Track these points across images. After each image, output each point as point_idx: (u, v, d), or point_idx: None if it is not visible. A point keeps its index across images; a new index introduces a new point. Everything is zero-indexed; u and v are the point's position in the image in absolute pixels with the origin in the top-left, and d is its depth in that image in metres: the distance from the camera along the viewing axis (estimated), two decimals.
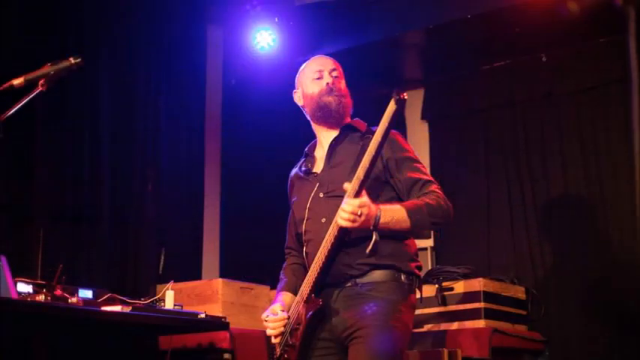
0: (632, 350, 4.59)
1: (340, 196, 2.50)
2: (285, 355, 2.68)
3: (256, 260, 5.14)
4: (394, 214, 2.51)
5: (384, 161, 2.68)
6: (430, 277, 4.47)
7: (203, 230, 5.22)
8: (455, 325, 4.29)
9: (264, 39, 5.32)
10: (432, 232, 5.26)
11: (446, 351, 3.89)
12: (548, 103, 5.30)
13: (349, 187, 2.46)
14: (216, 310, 4.06)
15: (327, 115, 2.80)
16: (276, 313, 2.70)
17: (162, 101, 4.97)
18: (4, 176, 3.89)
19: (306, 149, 2.95)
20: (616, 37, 4.87)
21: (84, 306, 2.93)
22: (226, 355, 3.83)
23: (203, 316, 3.38)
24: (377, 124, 2.39)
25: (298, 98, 2.92)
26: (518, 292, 4.65)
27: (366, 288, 2.61)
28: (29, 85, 2.68)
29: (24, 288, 2.94)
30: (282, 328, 2.69)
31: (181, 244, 4.98)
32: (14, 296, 2.72)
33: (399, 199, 2.66)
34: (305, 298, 2.64)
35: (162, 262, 4.75)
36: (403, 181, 2.68)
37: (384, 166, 2.68)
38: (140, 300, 3.43)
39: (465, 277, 4.40)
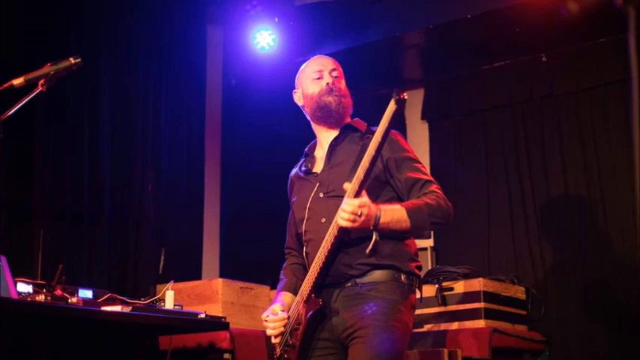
0: (632, 350, 4.59)
1: (340, 196, 2.50)
2: (285, 355, 2.68)
3: (256, 260, 5.14)
4: (394, 214, 2.51)
5: (384, 161, 2.68)
6: (430, 277, 4.47)
7: (203, 230, 5.22)
8: (455, 325, 4.29)
9: (264, 39, 5.33)
10: (432, 233, 5.26)
11: (446, 351, 3.89)
12: (548, 103, 5.30)
13: (349, 187, 2.46)
14: (216, 310, 4.06)
15: (327, 115, 2.80)
16: (276, 313, 2.70)
17: (162, 101, 4.97)
18: (4, 176, 3.89)
19: (306, 149, 2.95)
20: (616, 37, 4.89)
21: (84, 306, 2.93)
22: (226, 355, 3.83)
23: (203, 316, 3.38)
24: (377, 124, 2.40)
25: (298, 98, 2.92)
26: (518, 292, 4.65)
27: (366, 288, 2.61)
28: (29, 85, 2.68)
29: (24, 288, 2.94)
30: (282, 328, 2.69)
31: (181, 244, 4.98)
32: (14, 296, 2.72)
33: (399, 199, 2.67)
34: (305, 298, 2.64)
35: (162, 262, 4.75)
36: (403, 181, 2.68)
37: (384, 166, 2.69)
38: (140, 300, 3.43)
39: (465, 277, 4.40)
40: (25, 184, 4.03)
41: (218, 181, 5.47)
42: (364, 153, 2.43)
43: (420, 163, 2.75)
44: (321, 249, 2.59)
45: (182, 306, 3.52)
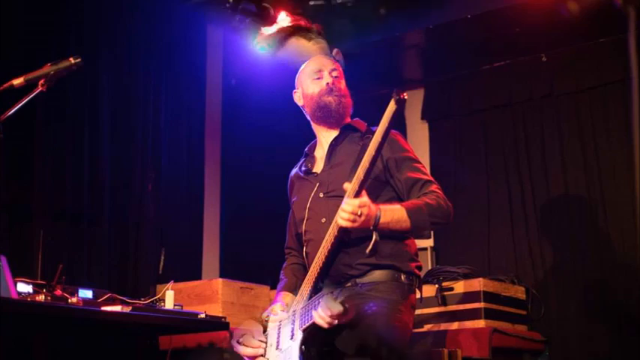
0: (632, 350, 4.59)
1: (340, 196, 2.50)
2: None
3: (256, 260, 5.14)
4: (394, 214, 2.51)
5: (384, 161, 2.68)
6: (430, 277, 4.47)
7: (203, 230, 5.22)
8: (455, 325, 4.29)
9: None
10: (432, 232, 5.26)
11: (446, 351, 3.88)
12: (548, 103, 5.30)
13: (349, 187, 2.46)
14: (216, 310, 4.06)
15: (327, 115, 2.80)
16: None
17: (162, 101, 4.97)
18: (4, 176, 3.88)
19: (306, 149, 2.96)
20: (616, 37, 4.89)
21: (84, 306, 2.93)
22: (226, 355, 3.83)
23: (203, 316, 3.38)
24: (377, 124, 2.40)
25: (298, 98, 2.92)
26: (518, 292, 4.64)
27: (366, 288, 2.61)
28: (29, 85, 2.68)
29: (24, 288, 2.93)
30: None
31: (181, 244, 4.97)
32: (14, 296, 2.72)
33: (399, 199, 2.67)
34: (305, 298, 2.64)
35: (162, 262, 4.75)
36: (403, 181, 2.68)
37: (384, 166, 2.69)
38: (140, 300, 3.43)
39: (465, 277, 4.39)
40: (25, 184, 4.02)
41: (218, 181, 5.47)
42: (364, 153, 2.43)
43: (420, 163, 2.75)
44: (321, 249, 2.59)
45: (182, 306, 3.51)
